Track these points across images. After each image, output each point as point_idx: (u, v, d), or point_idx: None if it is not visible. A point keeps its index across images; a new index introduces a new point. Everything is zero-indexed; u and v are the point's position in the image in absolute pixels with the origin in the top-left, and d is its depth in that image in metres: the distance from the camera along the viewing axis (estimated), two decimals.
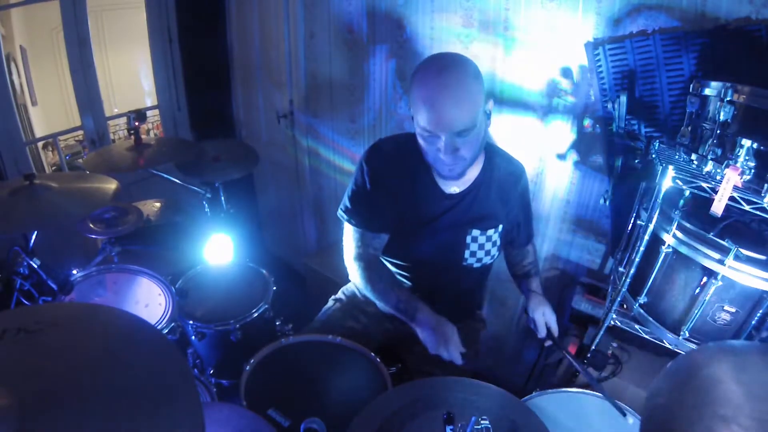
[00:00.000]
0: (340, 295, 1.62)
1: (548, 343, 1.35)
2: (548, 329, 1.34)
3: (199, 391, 1.16)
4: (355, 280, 1.38)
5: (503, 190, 1.33)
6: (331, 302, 1.61)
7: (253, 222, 3.26)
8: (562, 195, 1.79)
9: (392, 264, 1.44)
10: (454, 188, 1.30)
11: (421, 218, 1.33)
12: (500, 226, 1.34)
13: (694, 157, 1.12)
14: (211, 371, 1.64)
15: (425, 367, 1.38)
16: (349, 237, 1.37)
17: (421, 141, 1.19)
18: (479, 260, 1.36)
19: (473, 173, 1.30)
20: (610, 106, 1.49)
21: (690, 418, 0.72)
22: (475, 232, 1.32)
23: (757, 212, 0.99)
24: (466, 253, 1.34)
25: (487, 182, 1.31)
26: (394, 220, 1.35)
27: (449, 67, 1.11)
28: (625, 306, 1.33)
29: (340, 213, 1.38)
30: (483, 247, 1.34)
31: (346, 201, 1.37)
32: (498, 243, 1.36)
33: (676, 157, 1.17)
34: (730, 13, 1.24)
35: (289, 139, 2.74)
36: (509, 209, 1.35)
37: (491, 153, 1.34)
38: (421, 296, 1.30)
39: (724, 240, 1.03)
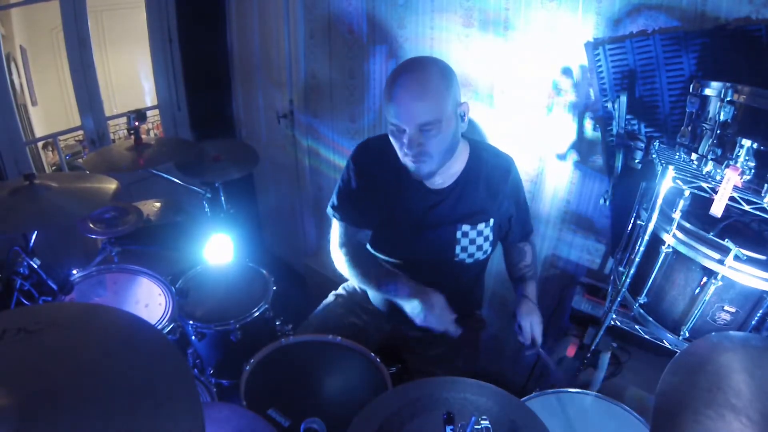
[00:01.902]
0: (340, 290, 1.63)
1: (530, 351, 1.33)
2: (533, 338, 1.33)
3: (199, 391, 1.15)
4: (340, 267, 1.44)
5: (491, 184, 1.33)
6: (331, 297, 1.62)
7: (253, 222, 3.25)
8: (562, 195, 1.79)
9: (387, 262, 1.45)
10: (439, 183, 1.31)
11: (409, 214, 1.34)
12: (491, 221, 1.34)
13: (694, 157, 1.11)
14: (211, 371, 1.64)
15: (425, 367, 1.38)
16: (336, 229, 1.46)
17: (391, 138, 1.22)
18: (471, 255, 1.36)
19: (457, 167, 1.31)
20: (610, 106, 1.49)
21: (703, 399, 0.72)
22: (465, 227, 1.33)
23: (757, 212, 0.98)
24: (457, 249, 1.35)
25: (474, 177, 1.32)
26: (381, 217, 1.37)
27: (416, 65, 1.16)
28: (625, 306, 1.33)
29: (328, 209, 1.45)
30: (474, 242, 1.35)
31: (334, 198, 1.43)
32: (490, 238, 1.37)
33: (676, 157, 1.17)
34: (730, 13, 1.24)
35: (289, 139, 2.73)
36: (500, 203, 1.35)
37: (476, 148, 1.35)
38: None
39: (724, 240, 1.03)
